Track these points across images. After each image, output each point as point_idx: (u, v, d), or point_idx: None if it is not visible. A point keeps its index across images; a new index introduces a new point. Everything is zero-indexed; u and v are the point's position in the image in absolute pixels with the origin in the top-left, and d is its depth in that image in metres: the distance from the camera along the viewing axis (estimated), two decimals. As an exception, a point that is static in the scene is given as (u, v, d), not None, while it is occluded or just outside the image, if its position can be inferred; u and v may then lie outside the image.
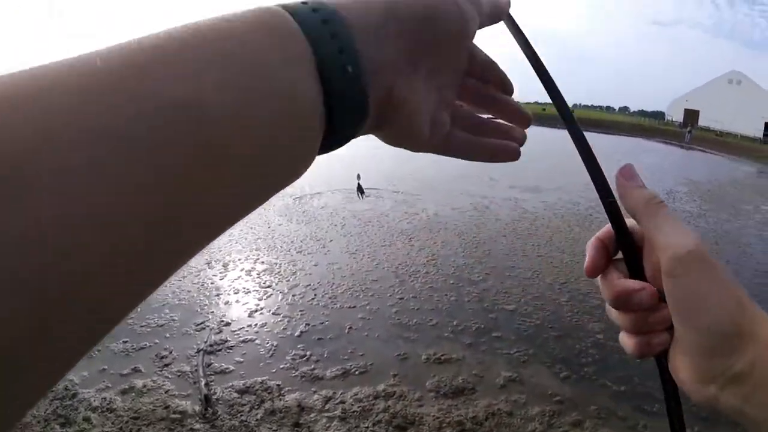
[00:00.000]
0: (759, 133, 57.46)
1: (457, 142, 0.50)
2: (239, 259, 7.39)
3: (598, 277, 0.53)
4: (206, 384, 4.37)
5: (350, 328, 5.31)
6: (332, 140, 0.38)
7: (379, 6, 0.40)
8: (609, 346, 5.24)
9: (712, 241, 9.84)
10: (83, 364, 4.76)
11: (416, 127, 0.44)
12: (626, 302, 0.49)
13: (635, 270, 0.51)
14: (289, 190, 10.92)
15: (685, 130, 44.13)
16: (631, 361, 4.93)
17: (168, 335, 5.19)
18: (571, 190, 13.35)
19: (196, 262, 7.27)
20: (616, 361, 5.00)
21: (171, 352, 4.87)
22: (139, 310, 5.72)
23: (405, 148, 0.48)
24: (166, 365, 4.70)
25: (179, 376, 4.54)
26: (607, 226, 0.55)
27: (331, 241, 8.31)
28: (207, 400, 4.20)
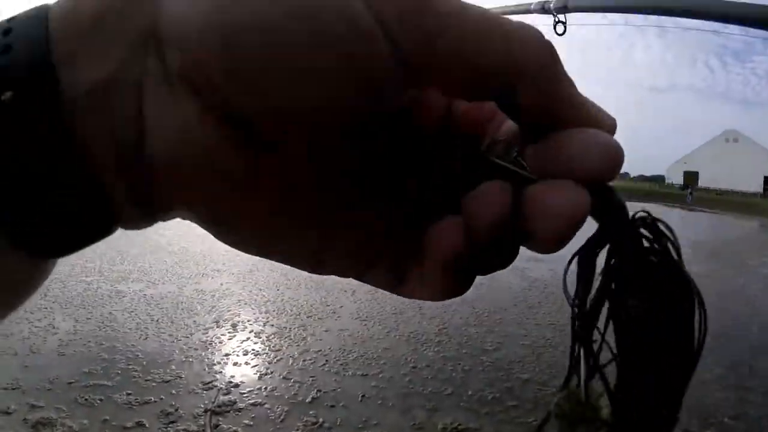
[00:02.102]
0: (759, 188, 58.16)
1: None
2: (248, 321, 7.26)
3: None
4: (214, 447, 4.22)
5: (363, 395, 5.14)
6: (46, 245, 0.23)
7: None
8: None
9: (720, 301, 9.54)
10: (83, 411, 4.61)
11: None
12: None
13: None
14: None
15: (687, 192, 44.46)
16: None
17: (174, 392, 5.02)
18: (567, 259, 13.12)
19: (204, 320, 7.18)
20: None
21: (177, 410, 4.69)
22: (144, 363, 5.62)
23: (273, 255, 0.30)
24: (172, 422, 4.52)
25: (185, 435, 4.39)
26: None
27: (341, 306, 8.20)
28: (215, 465, 4.04)
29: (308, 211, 0.28)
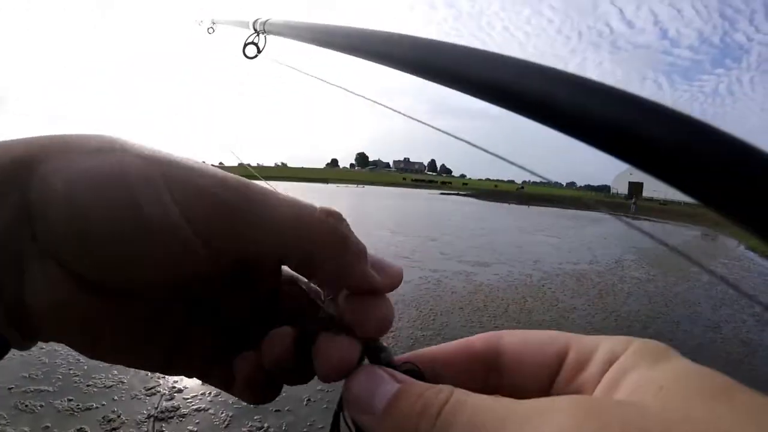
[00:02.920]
0: None
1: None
2: (193, 325, 7.13)
3: None
4: (157, 454, 4.15)
5: (309, 399, 5.14)
6: None
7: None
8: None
9: (662, 304, 10.25)
10: (23, 418, 4.49)
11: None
12: None
13: None
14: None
15: (630, 202, 45.69)
16: None
17: (116, 398, 4.93)
18: (519, 264, 13.62)
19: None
20: None
21: (119, 416, 4.60)
22: (85, 368, 5.47)
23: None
24: (114, 429, 4.42)
25: (128, 442, 4.30)
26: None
27: (288, 308, 8.11)
28: (157, 472, 3.97)
29: (150, 339, 0.37)
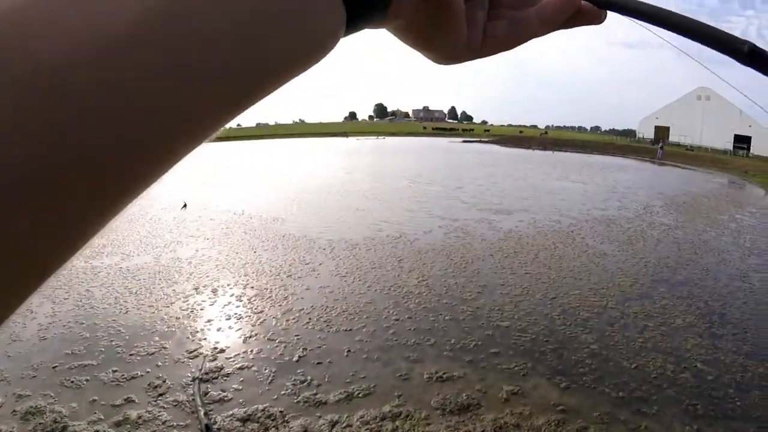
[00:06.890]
0: (729, 146, 58.82)
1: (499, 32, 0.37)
2: (228, 285, 7.28)
3: None
4: (206, 413, 4.24)
5: (348, 350, 5.22)
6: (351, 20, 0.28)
7: None
8: (604, 355, 5.33)
9: (691, 251, 10.10)
10: (70, 395, 4.58)
11: (457, 23, 0.34)
12: None
13: None
14: (272, 214, 10.61)
15: (657, 146, 44.76)
16: (628, 368, 5.07)
17: (160, 363, 5.04)
18: (541, 210, 13.65)
19: (183, 288, 7.16)
20: (612, 369, 5.08)
21: (165, 381, 4.71)
22: (127, 337, 5.61)
23: (433, 53, 0.37)
24: (161, 395, 4.54)
25: (175, 405, 4.38)
26: None
27: (320, 264, 8.24)
28: (208, 430, 4.07)
29: None
